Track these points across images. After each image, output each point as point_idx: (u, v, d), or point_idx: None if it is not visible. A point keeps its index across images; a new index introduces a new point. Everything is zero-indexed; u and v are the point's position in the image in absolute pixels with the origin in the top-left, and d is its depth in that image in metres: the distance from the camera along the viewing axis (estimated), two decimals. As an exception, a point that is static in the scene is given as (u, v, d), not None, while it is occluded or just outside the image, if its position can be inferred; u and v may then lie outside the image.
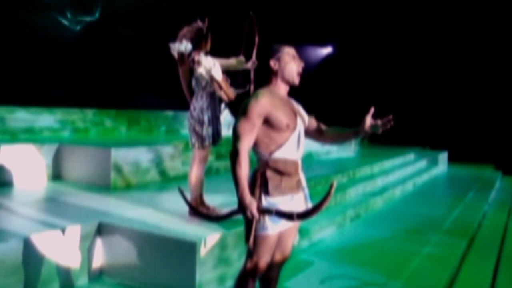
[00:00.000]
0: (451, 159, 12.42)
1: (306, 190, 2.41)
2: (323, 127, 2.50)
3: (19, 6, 7.58)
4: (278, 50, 2.31)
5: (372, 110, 2.32)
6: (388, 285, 3.54)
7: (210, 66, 3.51)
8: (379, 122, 2.30)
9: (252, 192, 2.18)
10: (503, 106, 13.35)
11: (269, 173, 2.22)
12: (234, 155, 2.15)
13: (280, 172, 2.23)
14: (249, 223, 2.17)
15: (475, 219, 6.06)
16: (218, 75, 3.53)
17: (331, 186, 2.07)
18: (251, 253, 2.30)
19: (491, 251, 4.81)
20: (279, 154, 2.23)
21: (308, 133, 2.45)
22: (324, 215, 4.70)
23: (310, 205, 2.35)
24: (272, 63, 2.29)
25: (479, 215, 6.39)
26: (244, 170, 2.13)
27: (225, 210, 2.61)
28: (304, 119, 2.39)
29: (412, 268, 3.97)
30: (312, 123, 2.48)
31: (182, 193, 2.60)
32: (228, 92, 3.56)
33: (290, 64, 2.30)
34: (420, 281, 3.65)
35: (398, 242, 4.78)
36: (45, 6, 7.87)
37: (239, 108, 2.24)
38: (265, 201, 2.21)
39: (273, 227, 2.22)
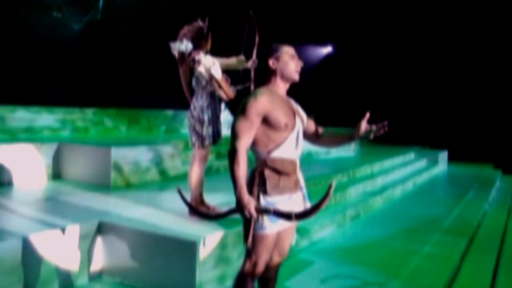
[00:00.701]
0: (451, 158, 12.44)
1: (305, 190, 2.40)
2: (320, 130, 2.48)
3: (19, 6, 7.58)
4: (277, 49, 2.31)
5: (367, 115, 2.27)
6: (388, 285, 3.54)
7: (209, 65, 3.51)
8: (374, 127, 2.26)
9: (250, 191, 2.18)
10: (503, 105, 13.35)
11: (267, 172, 2.22)
12: (232, 154, 2.14)
13: (278, 172, 2.23)
14: (247, 222, 2.17)
15: (475, 218, 6.06)
16: (218, 74, 3.53)
17: (330, 186, 2.07)
18: (249, 253, 2.30)
19: (491, 250, 4.81)
20: (277, 153, 2.23)
21: (305, 136, 2.43)
22: (324, 214, 4.70)
23: (308, 204, 2.35)
24: (271, 62, 2.29)
25: (479, 214, 6.39)
26: (242, 169, 2.12)
27: (224, 209, 2.61)
28: (303, 119, 2.38)
29: (412, 267, 3.97)
30: (310, 125, 2.46)
31: (180, 193, 2.60)
32: (227, 91, 3.56)
33: (289, 63, 2.30)
34: (420, 281, 3.65)
35: (398, 241, 4.78)
36: (45, 6, 7.87)
37: (238, 107, 2.24)
38: (263, 201, 2.20)
39: (271, 227, 2.22)
